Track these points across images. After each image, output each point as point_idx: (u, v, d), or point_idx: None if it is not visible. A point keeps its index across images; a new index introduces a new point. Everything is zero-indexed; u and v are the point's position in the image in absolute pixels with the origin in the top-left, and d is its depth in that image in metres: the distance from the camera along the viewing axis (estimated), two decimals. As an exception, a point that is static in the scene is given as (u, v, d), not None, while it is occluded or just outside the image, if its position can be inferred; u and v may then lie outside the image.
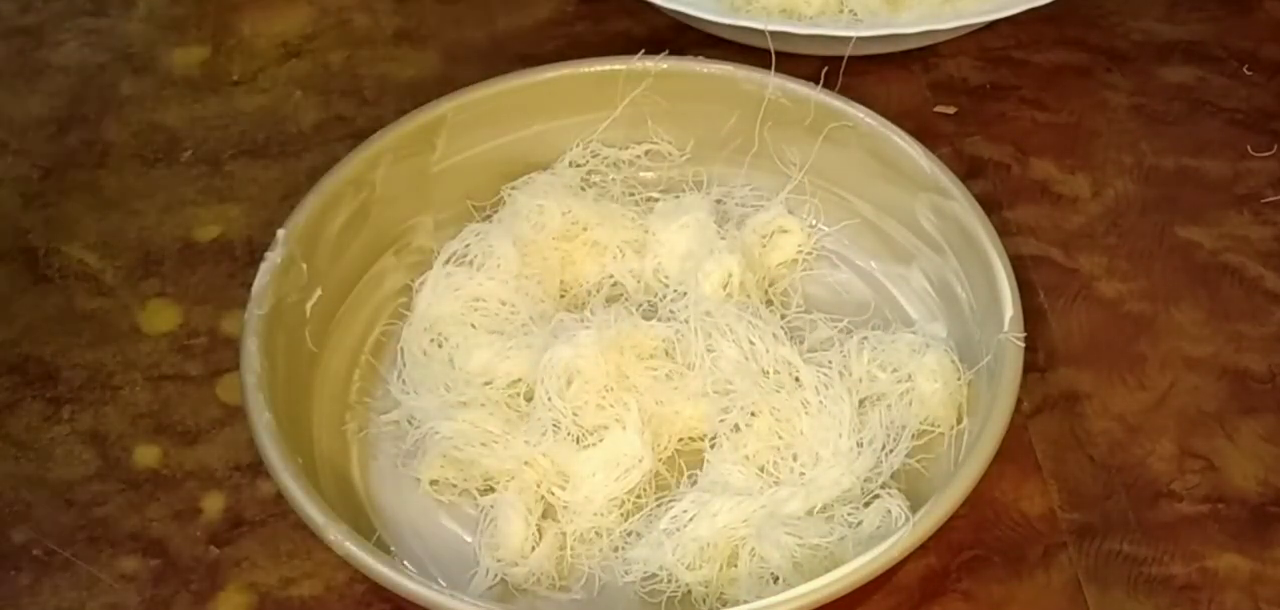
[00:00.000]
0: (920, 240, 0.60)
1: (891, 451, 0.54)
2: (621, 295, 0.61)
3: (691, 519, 0.52)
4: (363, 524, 0.53)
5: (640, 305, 0.59)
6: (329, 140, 0.69)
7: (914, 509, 0.50)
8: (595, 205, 0.62)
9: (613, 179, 0.64)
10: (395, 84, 0.73)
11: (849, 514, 0.52)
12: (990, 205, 0.59)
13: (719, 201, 0.63)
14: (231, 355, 0.56)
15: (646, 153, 0.65)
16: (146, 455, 0.57)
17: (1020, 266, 0.57)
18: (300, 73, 0.74)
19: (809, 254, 0.62)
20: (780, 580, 0.50)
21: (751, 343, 0.55)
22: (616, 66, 0.63)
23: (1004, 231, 0.58)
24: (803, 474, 0.53)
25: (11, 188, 0.68)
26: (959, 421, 0.54)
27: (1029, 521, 0.55)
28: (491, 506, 0.53)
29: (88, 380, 0.60)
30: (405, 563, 0.52)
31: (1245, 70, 0.73)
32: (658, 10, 0.71)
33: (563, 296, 0.61)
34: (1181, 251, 0.64)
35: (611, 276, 0.61)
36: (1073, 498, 0.55)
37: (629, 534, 0.53)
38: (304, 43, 0.76)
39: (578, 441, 0.54)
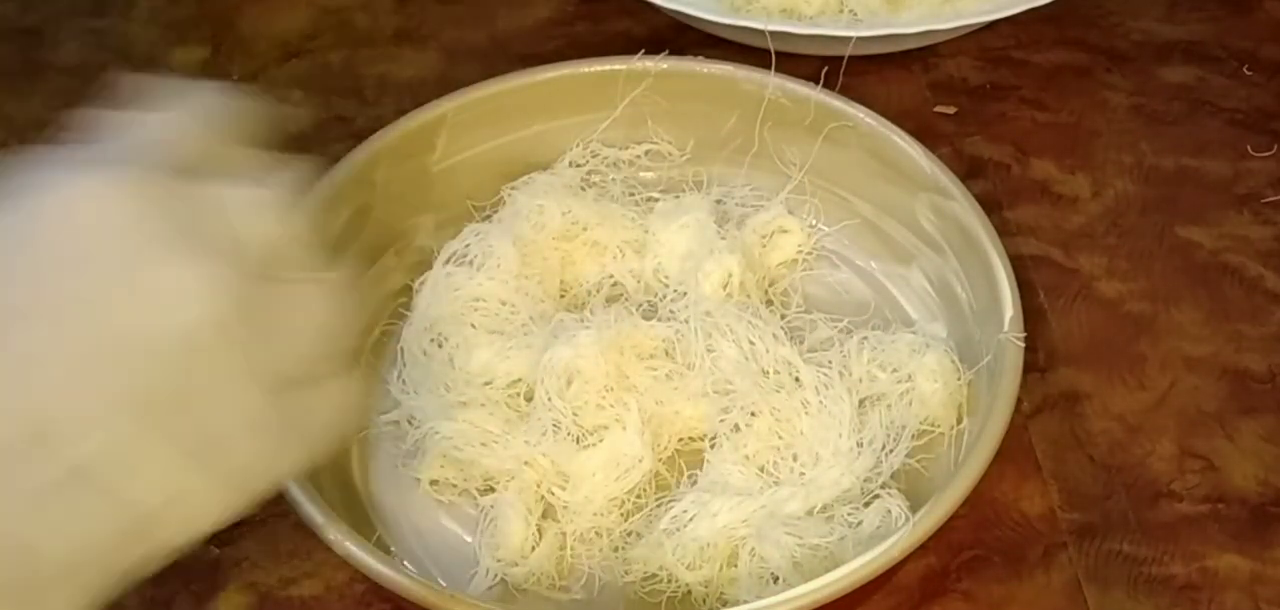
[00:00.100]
0: (920, 240, 0.60)
1: (891, 451, 0.54)
2: (621, 295, 0.61)
3: (691, 519, 0.52)
4: (363, 524, 0.53)
5: (640, 305, 0.59)
6: (329, 140, 0.69)
7: (914, 509, 0.50)
8: (595, 205, 0.62)
9: (613, 179, 0.64)
10: (395, 84, 0.73)
11: (849, 514, 0.52)
12: (990, 205, 0.59)
13: (719, 201, 0.63)
14: (231, 355, 0.56)
15: (646, 153, 0.65)
16: (146, 455, 0.57)
17: (1020, 266, 0.57)
18: (300, 73, 0.74)
19: (809, 254, 0.62)
20: (780, 580, 0.50)
21: (751, 343, 0.55)
22: (616, 66, 0.63)
23: (1004, 231, 0.58)
24: (803, 474, 0.53)
25: (12, 188, 0.68)
26: (959, 421, 0.54)
27: (1029, 521, 0.55)
28: (491, 506, 0.53)
29: (88, 380, 0.59)
30: (405, 563, 0.52)
31: (1245, 70, 0.73)
32: (658, 10, 0.71)
33: (563, 296, 0.61)
34: (1181, 251, 0.64)
35: (611, 276, 0.61)
36: (1073, 498, 0.55)
37: (629, 534, 0.53)
38: (304, 43, 0.76)
39: (578, 441, 0.54)
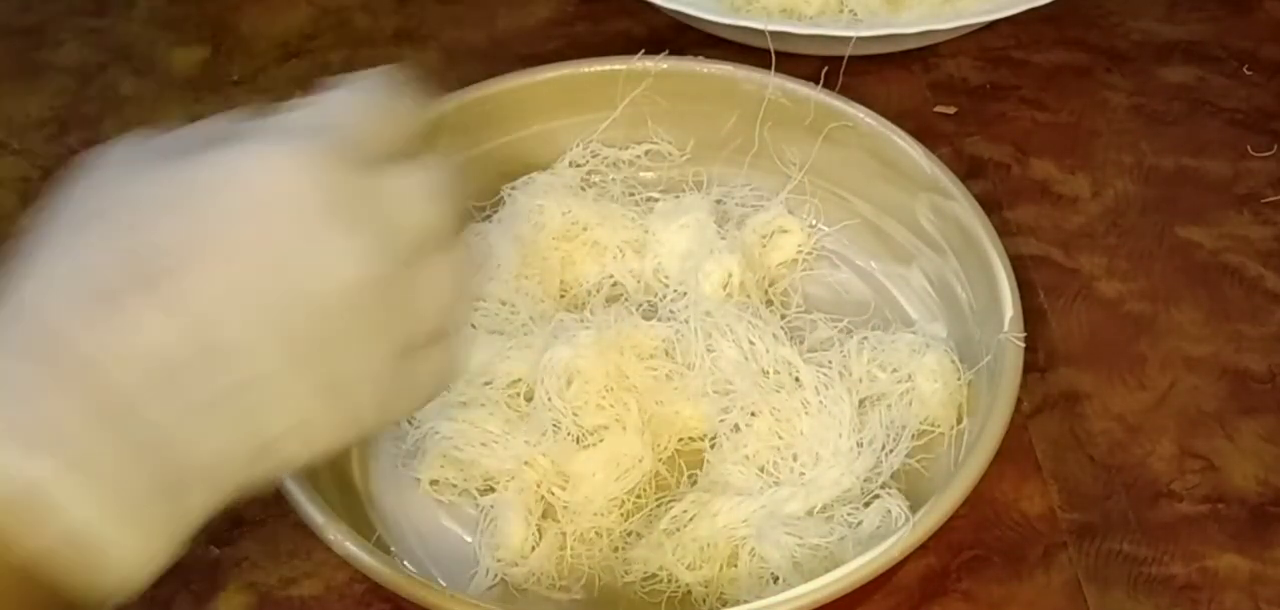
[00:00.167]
0: (920, 240, 0.60)
1: (891, 451, 0.54)
2: (621, 295, 0.60)
3: (691, 519, 0.52)
4: (363, 524, 0.53)
5: (640, 305, 0.59)
6: (329, 140, 0.69)
7: (914, 509, 0.50)
8: (595, 205, 0.62)
9: (613, 179, 0.64)
10: (395, 84, 0.73)
11: (849, 514, 0.52)
12: (990, 205, 0.59)
13: (719, 201, 0.63)
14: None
15: (646, 153, 0.65)
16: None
17: (1020, 266, 0.57)
18: (300, 73, 0.74)
19: (809, 254, 0.62)
20: (780, 580, 0.50)
21: (751, 343, 0.55)
22: (616, 66, 0.63)
23: (1004, 231, 0.58)
24: (803, 474, 0.53)
25: (11, 188, 0.68)
26: (959, 421, 0.54)
27: (1029, 521, 0.55)
28: (491, 506, 0.53)
29: (88, 380, 0.59)
30: (405, 563, 0.52)
31: (1245, 70, 0.73)
32: (658, 10, 0.71)
33: (563, 296, 0.61)
34: (1181, 251, 0.64)
35: (611, 276, 0.61)
36: (1073, 498, 0.55)
37: (629, 534, 0.53)
38: (304, 43, 0.76)
39: (578, 441, 0.54)
